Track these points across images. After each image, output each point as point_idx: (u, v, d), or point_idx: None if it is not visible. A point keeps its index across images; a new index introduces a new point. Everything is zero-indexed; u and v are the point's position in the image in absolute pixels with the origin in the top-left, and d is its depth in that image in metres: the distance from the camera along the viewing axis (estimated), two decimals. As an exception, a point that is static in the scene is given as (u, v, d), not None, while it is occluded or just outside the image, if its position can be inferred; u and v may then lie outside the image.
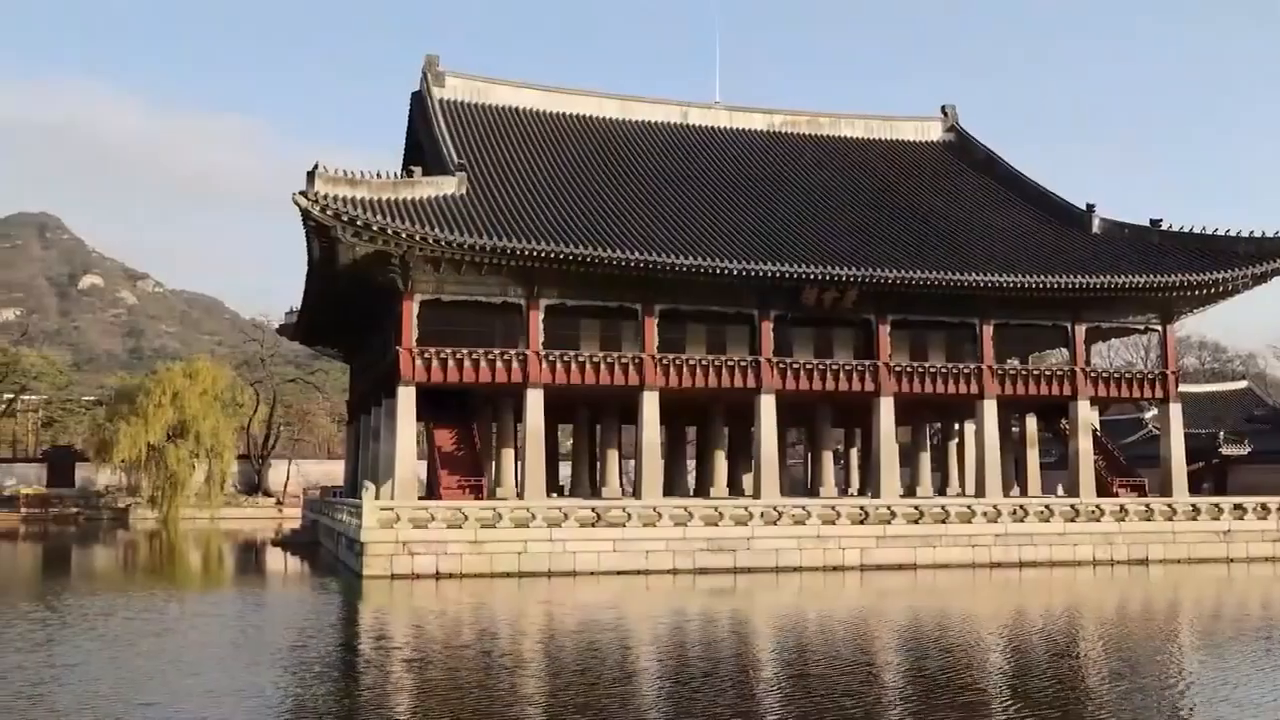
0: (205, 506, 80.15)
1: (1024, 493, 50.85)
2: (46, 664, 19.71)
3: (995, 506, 40.44)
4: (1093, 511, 41.24)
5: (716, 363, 43.48)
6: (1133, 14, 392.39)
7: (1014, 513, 40.09)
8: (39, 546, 57.68)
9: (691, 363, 43.04)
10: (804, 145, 57.57)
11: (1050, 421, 51.85)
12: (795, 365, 44.33)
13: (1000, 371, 47.09)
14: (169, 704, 16.44)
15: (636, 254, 39.33)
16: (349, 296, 44.55)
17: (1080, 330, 47.59)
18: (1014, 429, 55.29)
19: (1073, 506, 41.27)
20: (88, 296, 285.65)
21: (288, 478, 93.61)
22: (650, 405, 42.40)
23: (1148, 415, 67.67)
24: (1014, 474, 53.46)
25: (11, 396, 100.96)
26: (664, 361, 42.47)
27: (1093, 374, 48.45)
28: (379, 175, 39.68)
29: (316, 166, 37.15)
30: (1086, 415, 47.89)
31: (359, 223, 36.56)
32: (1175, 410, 48.58)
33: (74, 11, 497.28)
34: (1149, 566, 39.77)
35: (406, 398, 39.86)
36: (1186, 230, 48.58)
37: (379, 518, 34.64)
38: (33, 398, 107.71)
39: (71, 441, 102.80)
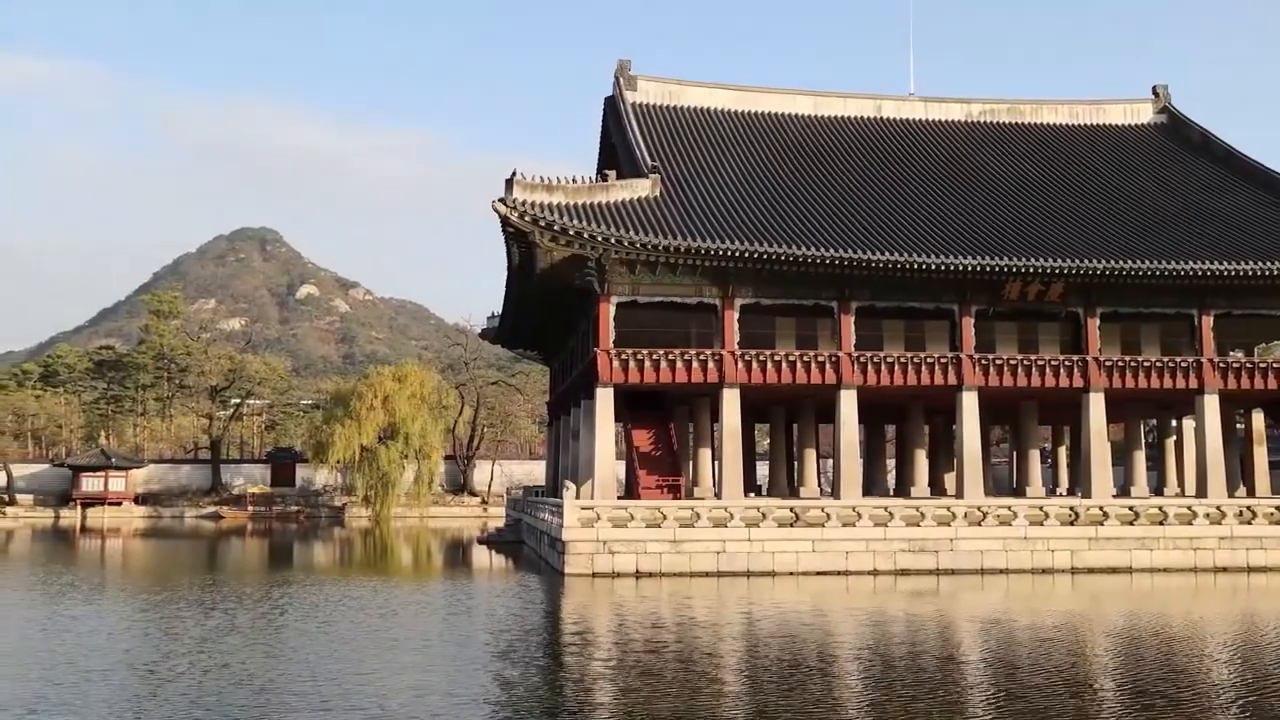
0: (414, 505, 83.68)
1: (1251, 493, 47.96)
2: (275, 642, 21.67)
3: (1219, 507, 38.32)
4: (1330, 513, 38.58)
5: (915, 360, 42.51)
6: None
7: (1240, 514, 37.93)
8: (265, 541, 61.32)
9: (890, 360, 42.21)
10: (1004, 134, 55.91)
11: (1280, 417, 48.77)
12: (998, 361, 42.95)
13: (1222, 364, 44.46)
14: (386, 678, 17.87)
15: (833, 251, 38.86)
16: (547, 300, 45.55)
17: (1313, 319, 44.57)
18: (1239, 425, 52.21)
19: (1307, 508, 38.68)
20: (304, 306, 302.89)
21: (491, 477, 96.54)
22: (848, 404, 41.81)
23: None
24: (1239, 473, 50.46)
25: (239, 401, 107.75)
26: (861, 359, 41.79)
27: (1327, 366, 45.25)
28: (574, 180, 40.45)
29: (514, 174, 38.24)
30: (1321, 410, 44.81)
31: (556, 227, 37.39)
32: None
33: (268, 34, 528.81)
34: (1396, 573, 36.89)
35: (605, 399, 40.42)
36: None
37: (580, 517, 35.35)
38: (257, 402, 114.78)
39: (292, 443, 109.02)
